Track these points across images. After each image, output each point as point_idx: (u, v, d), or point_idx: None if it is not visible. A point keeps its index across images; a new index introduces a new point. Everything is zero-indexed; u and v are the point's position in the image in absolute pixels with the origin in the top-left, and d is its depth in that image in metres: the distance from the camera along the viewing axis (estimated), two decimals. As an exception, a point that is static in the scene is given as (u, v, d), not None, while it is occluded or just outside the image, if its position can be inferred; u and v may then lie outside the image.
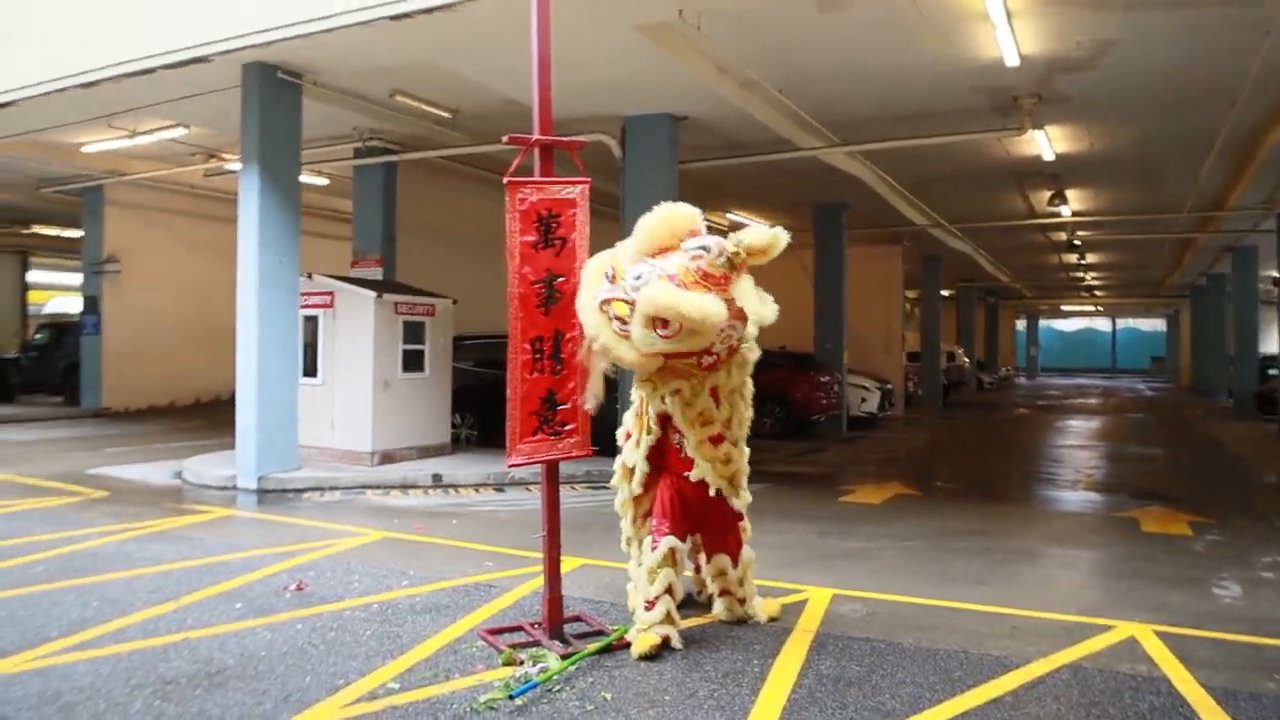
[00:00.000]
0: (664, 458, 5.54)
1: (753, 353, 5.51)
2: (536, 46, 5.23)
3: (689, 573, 5.91)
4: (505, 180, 5.14)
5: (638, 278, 4.88)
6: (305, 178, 13.04)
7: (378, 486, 10.64)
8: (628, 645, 5.10)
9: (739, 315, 5.02)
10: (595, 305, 4.99)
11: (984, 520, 9.42)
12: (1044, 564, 7.74)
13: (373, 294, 11.45)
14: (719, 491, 5.45)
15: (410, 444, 11.95)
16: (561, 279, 5.23)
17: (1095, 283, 38.20)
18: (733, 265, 4.93)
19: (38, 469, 11.53)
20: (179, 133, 13.79)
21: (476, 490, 10.74)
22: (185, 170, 16.68)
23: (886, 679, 4.79)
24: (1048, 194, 17.38)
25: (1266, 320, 30.98)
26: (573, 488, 10.53)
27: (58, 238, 24.34)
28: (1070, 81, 10.80)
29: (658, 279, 4.82)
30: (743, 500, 5.65)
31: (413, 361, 11.99)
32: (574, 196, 5.28)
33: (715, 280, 4.87)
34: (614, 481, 5.88)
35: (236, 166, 12.00)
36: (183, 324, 20.02)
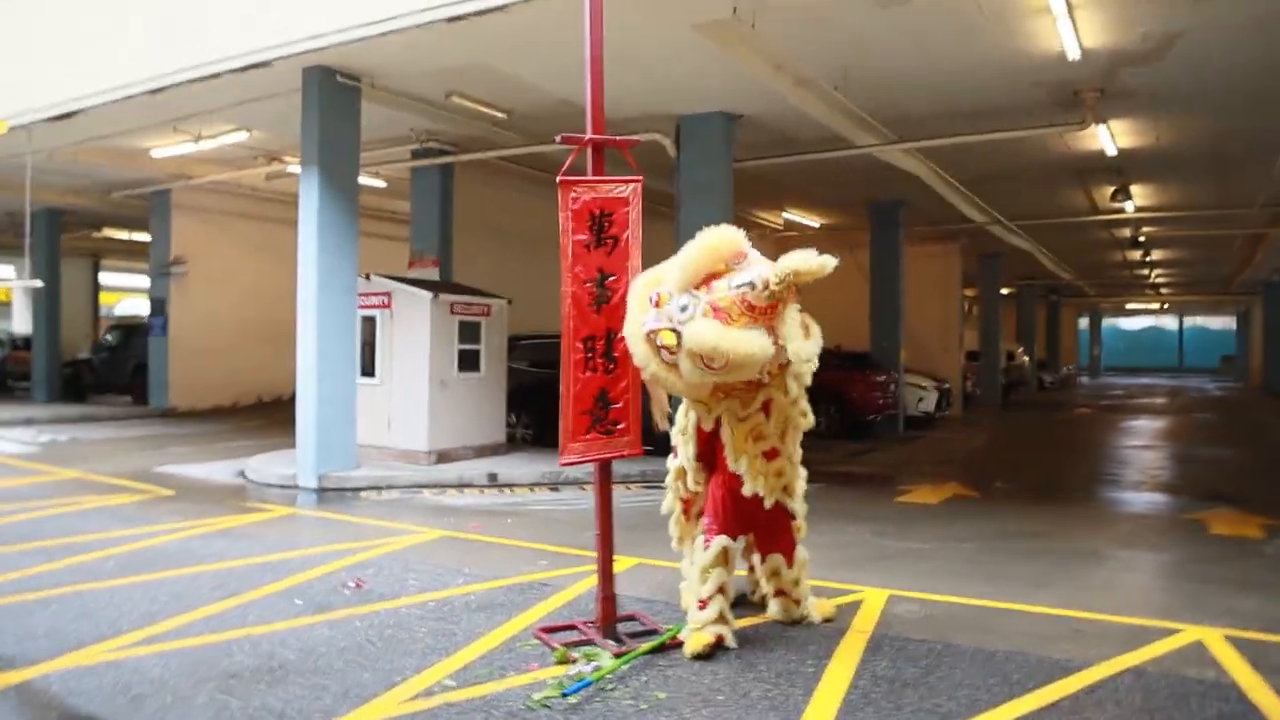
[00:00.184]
0: (715, 458, 5.53)
1: (810, 365, 5.31)
2: (589, 46, 5.24)
3: (743, 572, 5.89)
4: (558, 179, 5.17)
5: (684, 309, 4.85)
6: (364, 179, 13.23)
7: (434, 485, 10.76)
8: (681, 645, 5.09)
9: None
10: (642, 335, 4.97)
11: (1045, 521, 9.25)
12: (1107, 566, 7.57)
13: (429, 294, 11.58)
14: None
15: (466, 443, 12.07)
16: (613, 278, 5.24)
17: (1161, 280, 37.28)
18: (778, 297, 4.86)
19: (107, 467, 11.86)
20: (242, 137, 14.09)
21: (531, 489, 10.81)
22: (247, 173, 17.02)
23: (943, 681, 4.73)
24: (1110, 189, 17.00)
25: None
26: (627, 487, 10.55)
27: (127, 241, 24.97)
28: (1135, 74, 10.55)
29: (702, 314, 4.81)
30: (799, 508, 5.64)
31: (469, 361, 12.10)
32: (626, 195, 5.28)
33: (761, 311, 4.83)
34: (668, 481, 5.89)
35: (297, 169, 12.21)
36: (245, 324, 20.39)
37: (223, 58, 9.86)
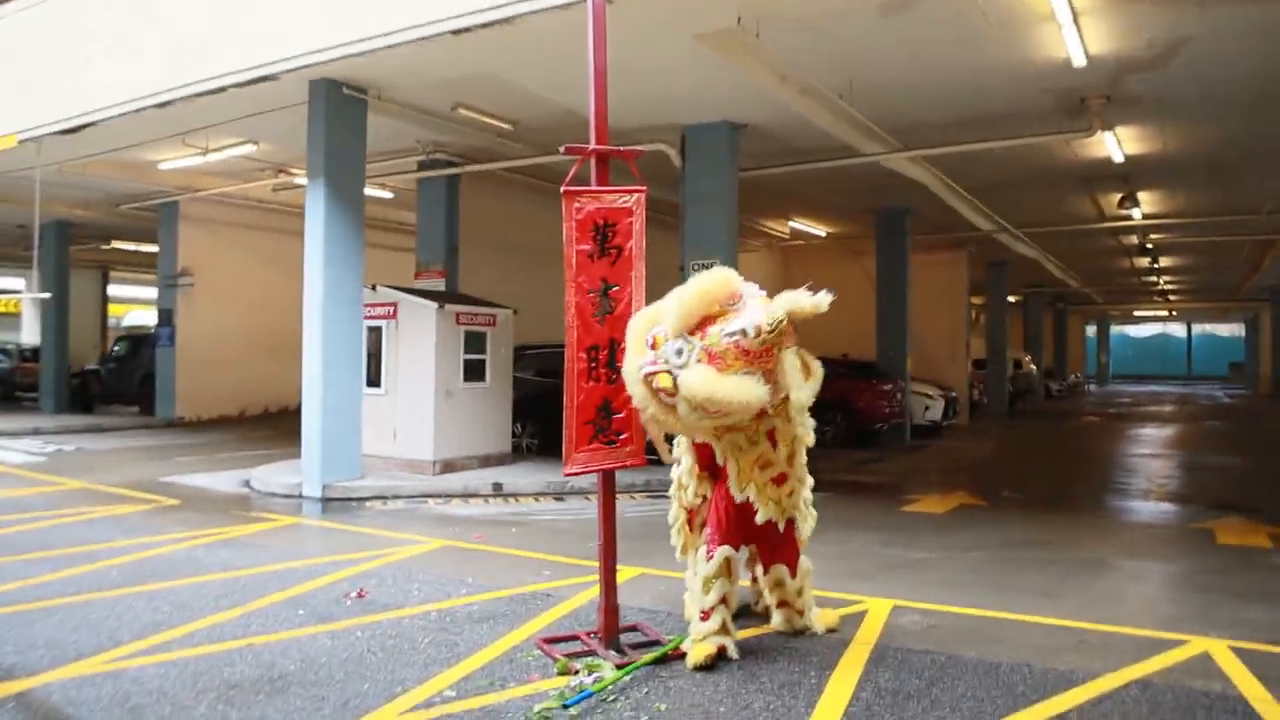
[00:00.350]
0: (717, 468, 5.51)
1: (808, 394, 5.11)
2: (593, 57, 5.25)
3: (746, 583, 5.87)
4: (562, 189, 5.18)
5: (679, 352, 4.83)
6: (370, 191, 13.28)
7: (439, 495, 10.76)
8: (683, 655, 5.07)
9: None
10: (640, 377, 4.94)
11: (1051, 531, 9.21)
12: (1114, 576, 7.53)
13: (435, 305, 11.60)
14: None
15: (471, 453, 12.07)
16: (616, 288, 5.24)
17: (1169, 287, 37.14)
18: (770, 342, 4.81)
19: (114, 477, 11.89)
20: (249, 149, 14.16)
21: (536, 499, 10.81)
22: (254, 185, 17.10)
23: (946, 692, 4.70)
24: (1118, 196, 16.95)
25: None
26: (632, 497, 10.54)
27: (135, 253, 25.10)
28: (1141, 81, 10.53)
29: (696, 359, 4.78)
30: (808, 524, 5.63)
31: (474, 371, 12.11)
32: (630, 206, 5.28)
33: (756, 356, 4.79)
34: (672, 490, 5.89)
35: (303, 181, 12.26)
36: (252, 335, 20.47)
37: (230, 71, 9.92)
